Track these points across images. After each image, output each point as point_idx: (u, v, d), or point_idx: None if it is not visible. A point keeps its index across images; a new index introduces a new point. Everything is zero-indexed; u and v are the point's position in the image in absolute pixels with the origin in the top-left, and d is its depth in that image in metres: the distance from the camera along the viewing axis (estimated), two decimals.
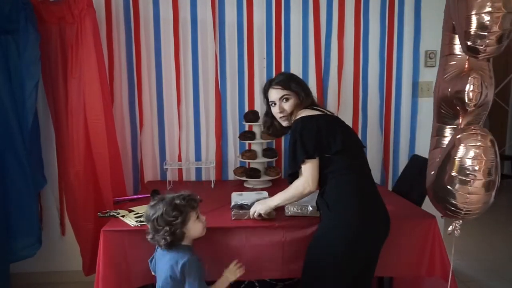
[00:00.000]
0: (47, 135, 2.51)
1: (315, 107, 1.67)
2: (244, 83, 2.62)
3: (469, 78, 1.44)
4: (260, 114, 2.48)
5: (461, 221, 1.63)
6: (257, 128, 2.45)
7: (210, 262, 1.69)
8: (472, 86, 1.43)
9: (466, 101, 1.45)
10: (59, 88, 2.37)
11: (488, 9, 1.32)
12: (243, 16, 2.56)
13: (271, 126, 1.84)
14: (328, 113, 1.68)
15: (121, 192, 2.37)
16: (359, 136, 2.69)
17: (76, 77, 2.26)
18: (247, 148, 2.59)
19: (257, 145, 2.46)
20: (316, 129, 1.53)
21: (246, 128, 2.57)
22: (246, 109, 2.62)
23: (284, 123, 1.75)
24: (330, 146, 1.52)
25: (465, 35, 1.41)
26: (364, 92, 2.69)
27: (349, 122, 2.70)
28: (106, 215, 1.84)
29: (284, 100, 1.68)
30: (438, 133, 1.67)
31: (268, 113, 1.82)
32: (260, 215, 1.70)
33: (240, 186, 2.45)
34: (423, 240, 1.77)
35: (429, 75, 2.67)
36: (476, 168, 1.44)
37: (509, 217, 4.45)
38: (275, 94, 1.70)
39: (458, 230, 1.64)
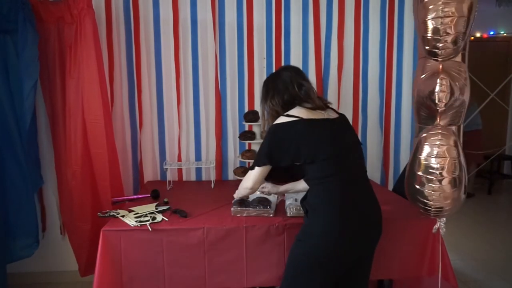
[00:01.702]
0: (45, 135, 2.51)
1: (301, 107, 1.55)
2: (244, 83, 2.62)
3: (437, 79, 1.48)
4: (260, 114, 2.48)
5: (444, 219, 1.66)
6: (257, 128, 2.44)
7: (209, 262, 1.69)
8: (440, 86, 1.48)
9: (436, 101, 1.51)
10: (56, 88, 2.37)
11: (441, 13, 1.38)
12: (243, 16, 2.56)
13: None
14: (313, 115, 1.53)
15: (118, 193, 2.37)
16: (359, 135, 2.70)
17: (74, 77, 2.26)
18: (247, 148, 2.59)
19: (257, 145, 2.46)
20: (276, 139, 1.50)
21: (246, 128, 2.57)
22: (246, 109, 2.62)
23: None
24: (297, 156, 1.48)
25: (423, 40, 1.47)
26: (364, 92, 2.69)
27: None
28: (106, 215, 1.83)
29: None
30: (419, 134, 1.69)
31: None
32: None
33: None
34: (423, 240, 1.77)
35: None
36: (439, 166, 1.47)
37: (509, 217, 4.45)
38: None
39: (443, 228, 1.68)
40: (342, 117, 1.62)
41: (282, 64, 2.61)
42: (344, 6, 2.59)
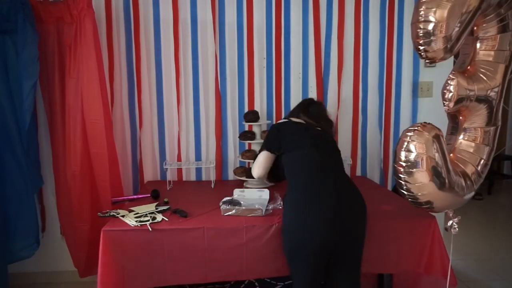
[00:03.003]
0: (44, 135, 2.50)
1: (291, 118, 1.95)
2: (244, 83, 2.62)
3: (448, 77, 1.46)
4: (260, 114, 2.48)
5: (457, 218, 1.63)
6: (257, 128, 2.44)
7: (209, 262, 1.69)
8: (447, 85, 1.46)
9: (444, 100, 1.48)
10: (56, 88, 2.36)
11: (430, 17, 1.33)
12: (243, 16, 2.55)
13: None
14: (303, 122, 1.90)
15: (118, 193, 2.36)
16: (359, 135, 2.71)
17: (74, 78, 2.26)
18: (247, 148, 2.59)
19: (257, 145, 2.46)
20: (274, 131, 1.88)
21: (246, 128, 2.57)
22: (246, 109, 2.62)
23: None
24: (279, 146, 1.81)
25: (414, 45, 1.42)
26: (364, 92, 2.69)
27: (349, 122, 2.70)
28: (106, 215, 1.83)
29: None
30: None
31: None
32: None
33: (240, 186, 2.43)
34: (423, 240, 1.77)
35: (429, 75, 2.67)
36: (420, 160, 1.42)
37: (509, 217, 4.45)
38: None
39: (456, 228, 1.64)
40: (328, 133, 1.92)
41: (282, 64, 2.61)
42: (344, 6, 2.59)
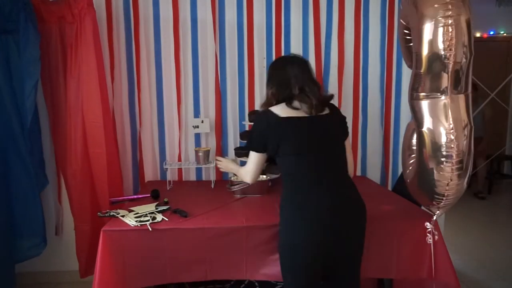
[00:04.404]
0: (46, 134, 2.51)
1: (287, 105, 1.55)
2: (244, 83, 2.62)
3: None
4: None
5: (438, 212, 1.64)
6: None
7: (209, 262, 1.69)
8: None
9: None
10: (59, 88, 2.37)
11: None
12: (243, 16, 2.56)
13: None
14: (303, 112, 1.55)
15: (118, 193, 2.37)
16: (359, 135, 2.71)
17: (75, 77, 2.26)
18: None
19: None
20: (254, 128, 1.61)
21: (246, 128, 2.57)
22: (246, 109, 2.62)
23: None
24: (264, 147, 1.56)
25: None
26: (364, 92, 2.69)
27: (349, 122, 2.68)
28: (106, 215, 1.83)
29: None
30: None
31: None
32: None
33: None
34: (423, 240, 1.76)
35: None
36: None
37: (509, 217, 4.45)
38: None
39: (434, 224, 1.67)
40: (332, 114, 1.60)
41: None
42: (344, 6, 2.59)
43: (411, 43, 1.69)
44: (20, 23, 2.13)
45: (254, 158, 1.61)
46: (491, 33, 5.27)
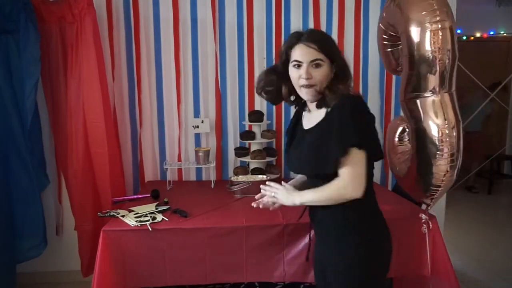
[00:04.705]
0: (47, 134, 2.51)
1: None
2: (244, 83, 2.62)
3: None
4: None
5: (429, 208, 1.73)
6: (257, 128, 2.45)
7: (209, 262, 1.69)
8: None
9: None
10: (59, 88, 2.38)
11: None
12: (243, 16, 2.56)
13: (273, 90, 1.38)
14: None
15: (120, 192, 2.37)
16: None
17: (75, 77, 2.27)
18: (247, 147, 2.59)
19: (257, 145, 2.46)
20: (371, 119, 1.28)
21: (246, 128, 2.57)
22: (247, 109, 2.62)
23: (305, 95, 1.29)
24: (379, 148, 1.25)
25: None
26: (364, 92, 2.69)
27: None
28: (106, 215, 1.83)
29: (315, 66, 1.25)
30: None
31: (279, 73, 1.34)
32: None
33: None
34: (423, 239, 1.76)
35: None
36: None
37: (509, 217, 4.45)
38: (306, 54, 1.25)
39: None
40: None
41: None
42: (344, 6, 2.59)
43: (390, 48, 1.88)
44: (20, 23, 2.14)
45: (363, 159, 1.21)
46: (491, 33, 5.26)
